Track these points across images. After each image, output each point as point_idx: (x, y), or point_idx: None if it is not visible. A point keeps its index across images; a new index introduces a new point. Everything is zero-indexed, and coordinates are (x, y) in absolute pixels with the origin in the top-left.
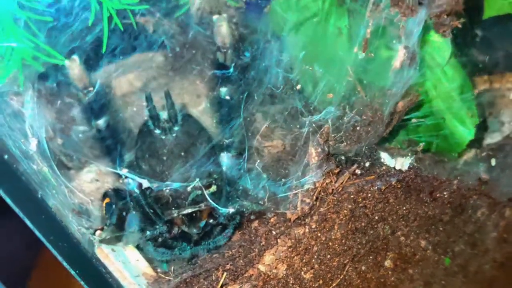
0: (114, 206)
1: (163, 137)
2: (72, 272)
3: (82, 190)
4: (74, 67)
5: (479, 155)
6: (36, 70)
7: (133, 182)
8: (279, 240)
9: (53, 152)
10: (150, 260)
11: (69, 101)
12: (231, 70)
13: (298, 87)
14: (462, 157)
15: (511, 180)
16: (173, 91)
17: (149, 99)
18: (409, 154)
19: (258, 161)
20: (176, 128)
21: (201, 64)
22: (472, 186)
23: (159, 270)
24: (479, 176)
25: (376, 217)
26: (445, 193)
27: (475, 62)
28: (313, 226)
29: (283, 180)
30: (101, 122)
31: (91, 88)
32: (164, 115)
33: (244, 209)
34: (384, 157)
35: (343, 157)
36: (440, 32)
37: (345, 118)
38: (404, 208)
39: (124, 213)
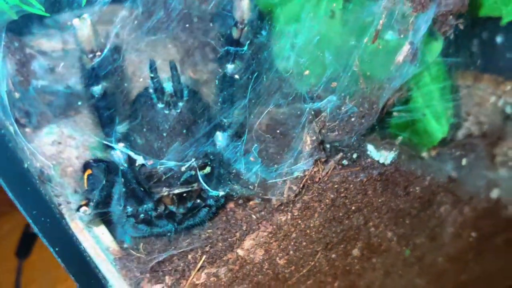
0: (98, 179)
1: (166, 111)
2: (51, 250)
3: (42, 152)
4: (84, 27)
5: (451, 154)
6: (9, 18)
7: (121, 154)
8: (260, 226)
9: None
10: (113, 234)
11: (30, 52)
12: (245, 48)
13: (307, 72)
14: (436, 154)
15: (477, 180)
16: (181, 64)
17: (153, 67)
18: (393, 150)
19: (256, 145)
20: (180, 104)
21: (214, 38)
22: (442, 183)
23: (125, 245)
24: (449, 174)
25: (353, 208)
26: (417, 188)
27: (460, 62)
28: (295, 214)
29: (275, 166)
30: (97, 89)
31: (99, 53)
32: (168, 87)
33: (234, 193)
34: (371, 149)
35: (328, 145)
36: (441, 31)
37: (342, 108)
38: (380, 200)
39: (109, 188)
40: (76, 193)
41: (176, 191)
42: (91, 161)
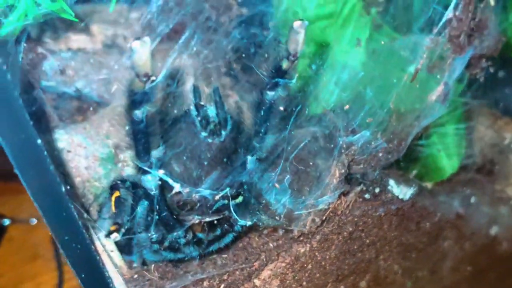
0: (126, 203)
1: (210, 140)
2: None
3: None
4: (143, 50)
5: (460, 190)
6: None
7: (152, 179)
8: (279, 256)
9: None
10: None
11: (42, 52)
12: (294, 80)
13: (347, 107)
14: (447, 190)
15: (481, 217)
16: (227, 92)
17: (196, 93)
18: (413, 186)
19: (288, 176)
20: (224, 133)
21: (264, 68)
22: (450, 219)
23: (134, 265)
24: (457, 210)
25: (368, 241)
26: (427, 223)
27: (479, 103)
28: (314, 245)
29: (303, 197)
30: (139, 112)
31: (153, 78)
32: (212, 113)
33: (260, 223)
34: (392, 184)
35: (353, 187)
36: (473, 73)
37: (373, 143)
38: (392, 234)
39: (139, 214)
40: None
41: (208, 219)
42: (118, 182)
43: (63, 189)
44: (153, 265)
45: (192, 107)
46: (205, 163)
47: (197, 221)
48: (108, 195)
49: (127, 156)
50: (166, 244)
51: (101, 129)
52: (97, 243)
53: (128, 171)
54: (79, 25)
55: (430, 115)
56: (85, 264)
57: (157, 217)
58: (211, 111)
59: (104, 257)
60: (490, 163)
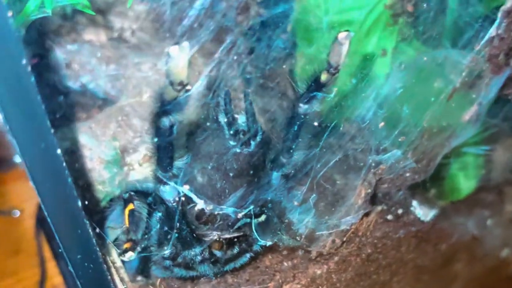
0: (141, 217)
1: (238, 150)
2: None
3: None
4: (180, 56)
5: (477, 212)
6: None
7: (171, 190)
8: (295, 278)
9: None
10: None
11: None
12: (332, 95)
13: (382, 124)
14: (465, 212)
15: (496, 240)
16: (258, 102)
17: (227, 99)
18: (435, 207)
19: (314, 195)
20: (253, 143)
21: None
22: (466, 241)
23: (138, 278)
24: (472, 232)
25: (384, 263)
26: (444, 245)
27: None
28: (331, 267)
29: (326, 217)
30: (166, 120)
31: (189, 87)
32: (241, 121)
33: (280, 243)
34: (415, 205)
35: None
36: (505, 93)
37: (401, 162)
38: (409, 256)
39: (157, 230)
40: None
41: (227, 235)
42: (132, 193)
43: (80, 204)
44: (159, 279)
45: (222, 113)
46: (231, 174)
47: (215, 237)
48: (116, 203)
49: (134, 159)
50: (179, 260)
51: (108, 130)
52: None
53: (134, 175)
54: (87, 17)
55: (461, 135)
56: (96, 284)
57: (176, 234)
58: (241, 118)
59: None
60: (505, 184)
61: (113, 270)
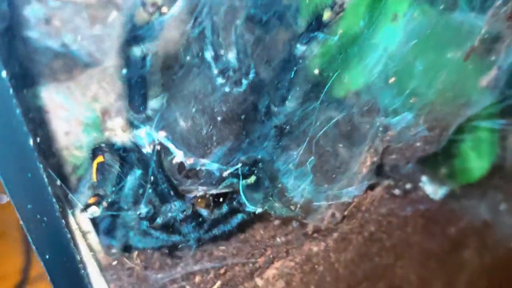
0: (111, 170)
1: (227, 89)
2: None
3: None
4: None
5: (491, 196)
6: None
7: (144, 135)
8: (289, 254)
9: None
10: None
11: None
12: (337, 37)
13: (392, 80)
14: (478, 194)
15: (509, 228)
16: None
17: (215, 32)
18: (445, 181)
19: (312, 158)
20: (245, 82)
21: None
22: (476, 226)
23: (113, 250)
24: (484, 217)
25: (388, 244)
26: (452, 229)
27: None
28: (329, 244)
29: (325, 186)
30: (137, 50)
31: (164, 9)
32: (232, 57)
33: (272, 211)
34: (425, 181)
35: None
36: None
37: (412, 129)
38: (415, 238)
39: (127, 183)
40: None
41: (214, 191)
42: (102, 145)
43: (31, 142)
44: (136, 252)
45: (207, 46)
46: (219, 119)
47: (201, 193)
48: (89, 163)
49: (116, 124)
50: (158, 221)
51: (88, 91)
52: (71, 221)
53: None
54: None
55: (477, 103)
56: (52, 243)
57: (150, 190)
58: (230, 55)
59: (78, 239)
60: None
61: (77, 235)
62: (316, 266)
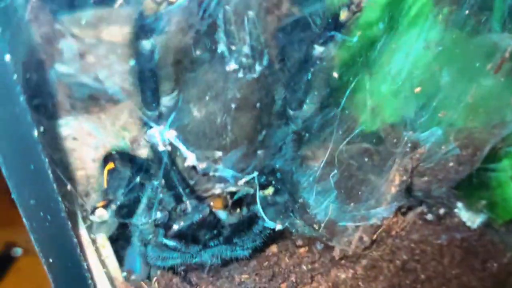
0: (122, 177)
1: (240, 75)
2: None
3: (52, 146)
4: None
5: None
6: None
7: (158, 136)
8: (313, 280)
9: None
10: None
11: (60, 29)
12: (355, 38)
13: (418, 89)
14: None
15: None
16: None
17: (226, 17)
18: (483, 211)
19: (335, 171)
20: (258, 68)
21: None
22: None
23: (133, 277)
24: None
25: (423, 276)
26: (495, 264)
27: None
28: (358, 272)
29: (352, 205)
30: (147, 43)
31: None
32: (245, 43)
33: (293, 229)
34: (460, 207)
35: (413, 204)
36: None
37: (443, 147)
38: (453, 272)
39: (137, 189)
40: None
41: (233, 188)
42: (113, 152)
43: (35, 133)
44: (155, 278)
45: (221, 35)
46: (233, 106)
47: (218, 191)
48: (101, 171)
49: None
50: (174, 228)
51: (118, 120)
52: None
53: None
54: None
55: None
56: (56, 245)
57: (163, 191)
58: (245, 42)
59: (94, 263)
60: None
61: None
62: None
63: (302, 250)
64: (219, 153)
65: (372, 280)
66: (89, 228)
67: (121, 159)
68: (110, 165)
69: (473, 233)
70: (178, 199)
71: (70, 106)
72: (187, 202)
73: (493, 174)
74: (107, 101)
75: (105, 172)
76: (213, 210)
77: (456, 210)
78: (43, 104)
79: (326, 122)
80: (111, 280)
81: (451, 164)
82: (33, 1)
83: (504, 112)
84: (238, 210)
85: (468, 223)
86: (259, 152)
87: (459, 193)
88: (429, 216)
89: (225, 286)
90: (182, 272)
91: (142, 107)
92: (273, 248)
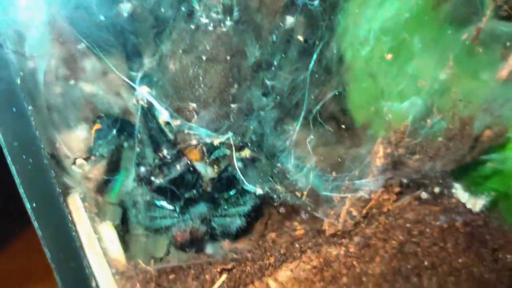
0: (108, 135)
1: (210, 28)
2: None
3: (69, 146)
4: None
5: None
6: None
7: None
8: (303, 255)
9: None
10: (126, 246)
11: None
12: (316, 2)
13: (389, 56)
14: None
15: None
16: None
17: None
18: (485, 194)
19: (311, 136)
20: (228, 23)
21: None
22: None
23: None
24: None
25: (426, 263)
26: (508, 256)
27: None
28: (350, 250)
29: (333, 173)
30: (126, 5)
31: None
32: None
33: (275, 195)
34: (457, 187)
35: (405, 180)
36: None
37: (428, 120)
38: (460, 260)
39: (118, 143)
40: None
41: (208, 140)
42: (102, 115)
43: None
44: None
45: None
46: (203, 57)
47: (194, 142)
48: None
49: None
50: (156, 181)
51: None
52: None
53: None
54: None
55: (500, 98)
56: (39, 190)
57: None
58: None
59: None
60: None
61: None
62: (337, 275)
63: (288, 223)
64: (193, 104)
65: (368, 261)
66: (97, 216)
67: (106, 121)
68: (97, 126)
69: (476, 217)
70: (155, 145)
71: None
72: (165, 152)
73: (494, 165)
74: None
75: (92, 132)
76: (192, 162)
77: (453, 191)
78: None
79: (297, 85)
80: (114, 261)
81: (439, 139)
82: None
83: (489, 85)
84: (216, 167)
85: (469, 205)
86: (232, 106)
87: (456, 173)
88: (424, 195)
89: (217, 253)
90: None
91: (127, 70)
92: (272, 235)
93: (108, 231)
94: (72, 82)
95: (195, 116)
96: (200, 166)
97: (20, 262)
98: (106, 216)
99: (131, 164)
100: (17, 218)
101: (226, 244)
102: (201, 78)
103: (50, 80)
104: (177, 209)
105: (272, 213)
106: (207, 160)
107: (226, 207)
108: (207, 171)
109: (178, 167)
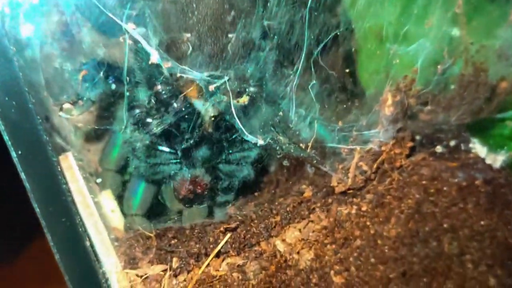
0: (95, 77)
1: None
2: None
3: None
4: None
5: None
6: None
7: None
8: (312, 214)
9: None
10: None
11: None
12: None
13: None
14: None
15: None
16: None
17: None
18: (505, 149)
19: (314, 81)
20: None
21: None
22: None
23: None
24: None
25: (445, 225)
26: None
27: None
28: (363, 208)
29: (339, 123)
30: None
31: None
32: None
33: (278, 147)
34: (475, 141)
35: (418, 137)
36: None
37: (439, 66)
38: (482, 223)
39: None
40: None
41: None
42: (90, 60)
43: None
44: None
45: None
46: None
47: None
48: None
49: None
50: (154, 123)
51: None
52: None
53: None
54: None
55: None
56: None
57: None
58: None
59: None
60: None
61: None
62: (350, 238)
63: (296, 187)
64: (187, 34)
65: (383, 222)
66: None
67: (92, 66)
68: (83, 72)
69: (498, 174)
70: (149, 81)
71: None
72: (160, 88)
73: None
74: None
75: (80, 78)
76: (189, 99)
77: (470, 145)
78: None
79: (294, 22)
80: (113, 230)
81: (452, 87)
82: None
83: (504, 26)
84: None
85: (488, 161)
86: (230, 36)
87: (474, 130)
88: (439, 148)
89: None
90: None
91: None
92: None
93: (108, 200)
94: None
95: (190, 48)
96: (198, 104)
97: (33, 269)
98: (106, 185)
99: (123, 112)
100: (30, 227)
101: (231, 209)
102: (194, 5)
103: None
104: (179, 153)
105: (280, 180)
106: (207, 98)
107: (230, 151)
108: (207, 109)
109: (175, 104)
